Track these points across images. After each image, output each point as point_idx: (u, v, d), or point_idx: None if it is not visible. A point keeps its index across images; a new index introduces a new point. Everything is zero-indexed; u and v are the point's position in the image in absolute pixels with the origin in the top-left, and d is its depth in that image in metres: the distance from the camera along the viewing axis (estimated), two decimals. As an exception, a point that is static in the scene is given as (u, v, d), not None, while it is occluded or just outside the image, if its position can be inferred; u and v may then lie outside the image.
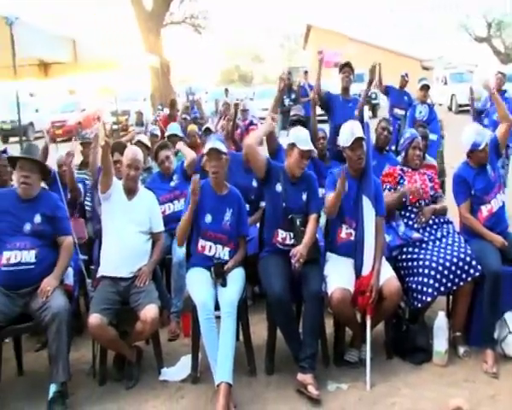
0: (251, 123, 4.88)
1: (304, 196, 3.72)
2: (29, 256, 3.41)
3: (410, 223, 3.94)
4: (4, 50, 4.32)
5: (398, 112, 8.45)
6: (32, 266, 3.41)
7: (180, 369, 3.60)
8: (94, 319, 3.32)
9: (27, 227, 3.45)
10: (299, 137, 3.65)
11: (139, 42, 19.44)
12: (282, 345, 3.53)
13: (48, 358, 3.32)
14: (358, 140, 3.60)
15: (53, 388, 3.25)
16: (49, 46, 5.18)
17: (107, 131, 3.56)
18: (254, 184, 4.58)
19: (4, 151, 5.45)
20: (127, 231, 3.66)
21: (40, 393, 3.35)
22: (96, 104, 20.94)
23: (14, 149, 5.70)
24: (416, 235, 3.84)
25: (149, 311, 3.38)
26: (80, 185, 4.78)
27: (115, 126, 12.16)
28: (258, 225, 4.21)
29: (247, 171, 4.63)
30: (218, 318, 3.38)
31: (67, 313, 3.32)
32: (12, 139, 17.73)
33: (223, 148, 3.70)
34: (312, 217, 3.67)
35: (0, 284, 3.39)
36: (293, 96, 11.59)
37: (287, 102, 11.58)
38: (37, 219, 3.49)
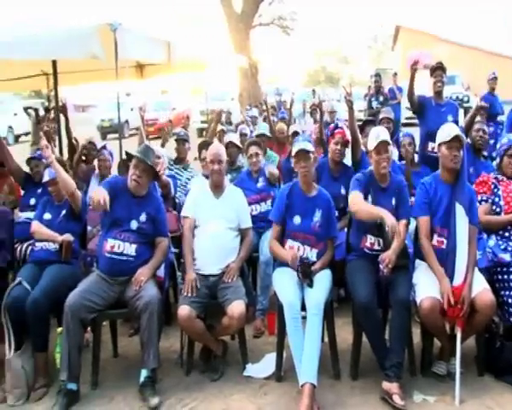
0: (336, 127, 4.80)
1: (393, 202, 3.62)
2: (130, 249, 3.60)
3: (507, 234, 3.71)
4: (109, 54, 4.56)
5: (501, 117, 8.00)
6: (132, 259, 3.60)
7: (264, 366, 3.63)
8: (183, 311, 3.43)
9: (134, 223, 3.64)
10: (373, 137, 3.60)
11: (228, 43, 19.84)
12: (368, 350, 3.46)
13: (140, 344, 3.47)
14: (456, 138, 3.43)
15: (144, 373, 3.40)
16: (146, 49, 5.39)
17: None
18: (343, 191, 4.52)
19: (104, 147, 5.78)
20: (216, 228, 3.75)
21: (133, 375, 3.53)
22: (186, 103, 21.68)
23: (113, 146, 6.01)
24: (502, 256, 3.61)
25: (237, 307, 3.44)
26: (170, 180, 4.94)
27: (205, 125, 12.47)
28: (345, 230, 4.16)
29: (336, 179, 4.59)
30: (303, 318, 3.37)
31: (158, 304, 3.46)
32: (109, 136, 18.77)
33: (310, 147, 3.70)
34: (401, 223, 3.56)
35: (101, 269, 3.61)
36: (380, 98, 11.34)
37: (374, 104, 11.35)
38: (143, 217, 3.68)
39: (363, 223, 3.60)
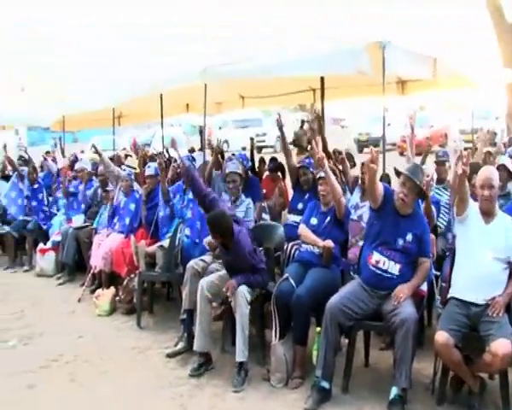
0: None
1: None
2: (395, 268, 3.60)
3: None
4: (375, 70, 4.63)
5: None
6: (394, 277, 3.60)
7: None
8: (441, 336, 3.26)
9: (400, 242, 3.64)
10: None
11: (497, 56, 18.18)
12: None
13: (393, 360, 3.43)
14: None
15: (394, 390, 3.35)
16: (411, 65, 5.30)
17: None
18: None
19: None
20: (482, 257, 3.46)
21: (382, 388, 3.53)
22: (445, 121, 20.70)
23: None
24: None
25: (502, 345, 3.12)
26: (434, 210, 4.73)
27: (467, 145, 11.70)
28: None
29: None
30: None
31: (415, 323, 3.38)
32: (366, 150, 19.07)
33: None
34: None
35: (363, 280, 3.69)
36: None
37: None
38: (409, 237, 3.65)
39: None
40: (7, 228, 7.72)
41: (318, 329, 3.69)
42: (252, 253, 4.06)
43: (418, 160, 6.28)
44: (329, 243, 4.05)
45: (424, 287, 3.75)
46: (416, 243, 3.63)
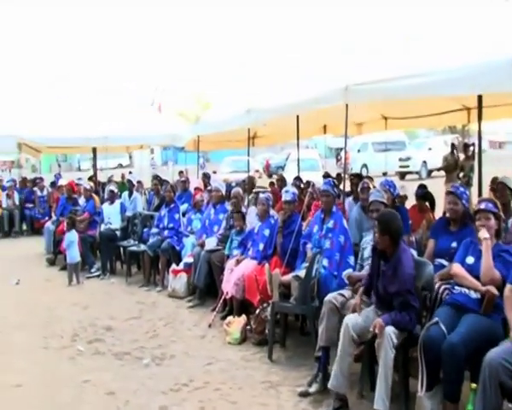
0: None
1: None
2: None
3: None
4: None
5: None
6: None
7: None
8: None
9: None
10: None
11: None
12: None
13: None
14: None
15: None
16: None
17: None
18: None
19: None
20: None
21: None
22: None
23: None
24: None
25: None
26: None
27: None
28: None
29: None
30: None
31: None
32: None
33: None
34: None
35: None
36: None
37: None
38: None
39: None
40: (143, 247, 8.37)
41: (474, 385, 3.41)
42: (411, 279, 3.99)
43: None
44: (493, 288, 3.76)
45: None
46: None
